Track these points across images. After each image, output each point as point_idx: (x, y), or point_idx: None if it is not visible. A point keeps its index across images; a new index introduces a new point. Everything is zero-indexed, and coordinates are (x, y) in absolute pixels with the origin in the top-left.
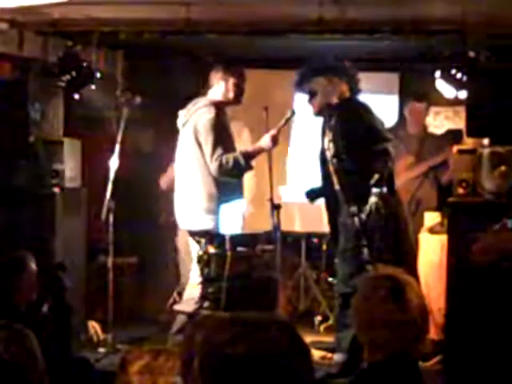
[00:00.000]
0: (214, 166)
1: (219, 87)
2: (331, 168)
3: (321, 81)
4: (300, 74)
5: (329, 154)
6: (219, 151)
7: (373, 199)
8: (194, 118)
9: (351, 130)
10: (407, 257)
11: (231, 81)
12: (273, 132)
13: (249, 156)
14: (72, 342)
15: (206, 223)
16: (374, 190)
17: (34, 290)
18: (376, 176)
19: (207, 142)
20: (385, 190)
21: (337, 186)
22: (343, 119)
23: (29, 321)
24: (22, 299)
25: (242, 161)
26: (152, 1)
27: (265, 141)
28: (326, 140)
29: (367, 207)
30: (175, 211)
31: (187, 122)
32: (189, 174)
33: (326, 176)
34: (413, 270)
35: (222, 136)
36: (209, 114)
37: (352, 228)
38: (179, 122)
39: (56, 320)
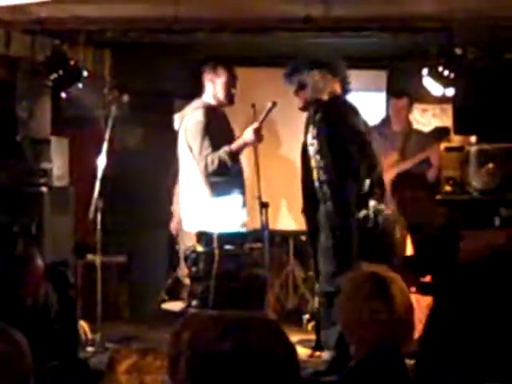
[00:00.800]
0: (201, 167)
1: (209, 89)
2: (313, 164)
3: (314, 75)
4: (292, 65)
5: (312, 150)
6: (205, 152)
7: (372, 203)
8: (185, 121)
9: (335, 129)
10: (393, 256)
11: (219, 82)
12: (255, 125)
13: (233, 153)
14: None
15: (195, 221)
16: (372, 201)
17: (40, 285)
18: (367, 181)
19: (194, 144)
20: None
21: (316, 183)
22: (329, 117)
23: (35, 315)
24: (27, 294)
25: (227, 159)
26: None
27: (247, 135)
28: (310, 136)
29: (367, 211)
30: (180, 213)
31: (181, 125)
32: (185, 176)
33: (306, 172)
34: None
35: (212, 137)
36: (197, 116)
37: (329, 227)
38: (175, 125)
39: (63, 316)
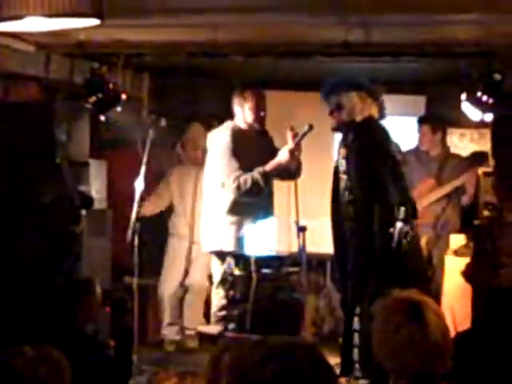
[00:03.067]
0: (232, 188)
1: (238, 113)
2: (341, 184)
3: (352, 96)
4: (331, 84)
5: (340, 170)
6: (236, 173)
7: (399, 224)
8: (212, 142)
9: (366, 151)
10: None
11: (247, 106)
12: (290, 146)
13: (267, 174)
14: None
15: (234, 245)
16: (398, 222)
17: (99, 313)
18: (402, 209)
19: (221, 164)
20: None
21: (343, 204)
22: (361, 138)
23: (94, 342)
24: (87, 320)
25: (260, 180)
26: (178, 23)
27: (282, 155)
28: (340, 156)
29: (394, 232)
30: (200, 233)
31: (210, 145)
32: (213, 195)
33: (335, 192)
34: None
35: (239, 159)
36: (224, 137)
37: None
38: (207, 144)
39: (119, 343)
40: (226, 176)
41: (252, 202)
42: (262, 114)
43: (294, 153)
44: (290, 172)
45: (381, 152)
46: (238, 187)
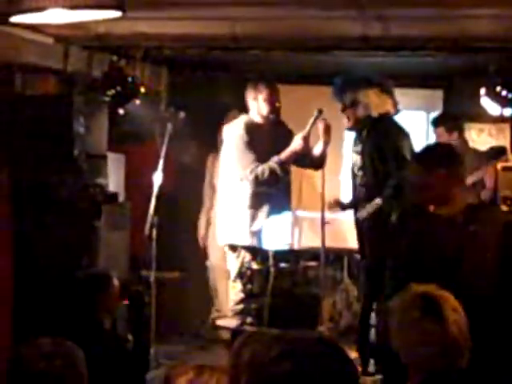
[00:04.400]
0: (250, 179)
1: (253, 107)
2: (358, 181)
3: (367, 93)
4: (344, 82)
5: (356, 167)
6: (253, 164)
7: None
8: (228, 135)
9: (379, 146)
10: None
11: (261, 97)
12: (303, 133)
13: (283, 162)
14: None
15: (250, 239)
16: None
17: (117, 307)
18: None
19: (237, 157)
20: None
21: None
22: (376, 134)
23: (113, 337)
24: (106, 316)
25: (277, 169)
26: (196, 16)
27: (296, 142)
28: (355, 153)
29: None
30: (216, 226)
31: (224, 139)
32: (229, 189)
33: (354, 188)
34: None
35: (255, 151)
36: (238, 130)
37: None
38: (224, 138)
39: (136, 336)
40: (242, 169)
41: (268, 196)
42: (276, 104)
43: (308, 139)
44: (312, 159)
45: (392, 147)
46: (256, 178)
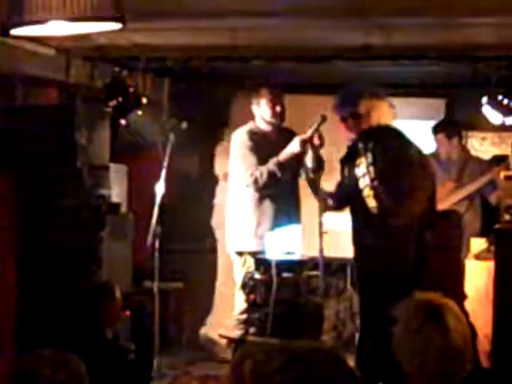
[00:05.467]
0: (249, 183)
1: (257, 113)
2: (368, 192)
3: (370, 103)
4: (345, 94)
5: (367, 179)
6: (252, 168)
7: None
8: (232, 142)
9: (386, 157)
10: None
11: (263, 102)
12: (303, 136)
13: (281, 163)
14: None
15: (255, 246)
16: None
17: (119, 317)
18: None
19: (239, 162)
20: None
21: (374, 210)
22: (381, 144)
23: (114, 347)
24: (108, 324)
25: (276, 170)
26: (198, 27)
27: (294, 144)
28: (363, 165)
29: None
30: (226, 234)
31: (231, 146)
32: (238, 197)
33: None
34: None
35: (258, 155)
36: (241, 136)
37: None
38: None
39: (138, 347)
40: (244, 172)
41: (272, 200)
42: (278, 108)
43: (307, 143)
44: (311, 170)
45: (400, 157)
46: (256, 181)
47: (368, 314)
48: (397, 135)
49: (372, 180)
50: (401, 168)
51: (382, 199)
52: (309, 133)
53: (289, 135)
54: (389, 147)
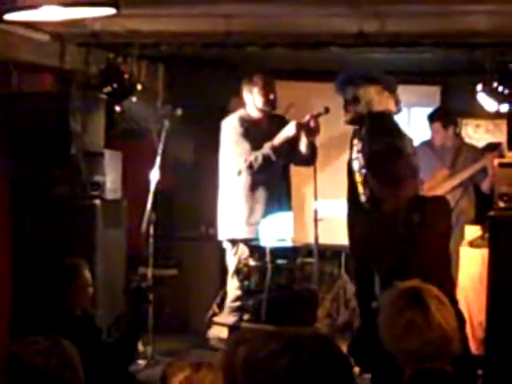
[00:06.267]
0: (243, 168)
1: (248, 100)
2: (357, 178)
3: (368, 89)
4: (347, 76)
5: (356, 164)
6: (246, 153)
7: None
8: (222, 131)
9: (378, 144)
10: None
11: (255, 90)
12: (300, 121)
13: (276, 148)
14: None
15: (248, 233)
16: None
17: (87, 297)
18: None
19: (232, 148)
20: None
21: (362, 197)
22: (375, 131)
23: (84, 326)
24: (75, 304)
25: (270, 153)
26: (192, 13)
27: (290, 128)
28: (355, 149)
29: None
30: (218, 222)
31: (221, 133)
32: (230, 185)
33: (351, 186)
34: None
35: (250, 142)
36: (232, 123)
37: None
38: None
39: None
40: (237, 158)
41: (265, 187)
42: (271, 96)
43: (303, 128)
44: (304, 157)
45: (390, 145)
46: (250, 166)
47: (363, 300)
48: (389, 124)
49: (361, 167)
50: (388, 157)
51: (370, 186)
52: (306, 117)
53: (280, 122)
54: (378, 135)
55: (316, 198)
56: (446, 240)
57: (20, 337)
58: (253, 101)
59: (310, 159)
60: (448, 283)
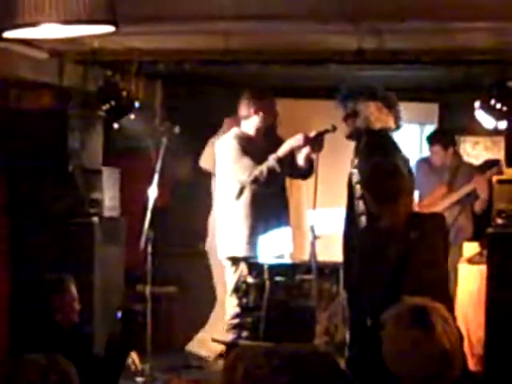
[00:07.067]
0: (248, 183)
1: (246, 118)
2: (356, 193)
3: (368, 105)
4: (348, 89)
5: (354, 179)
6: (249, 168)
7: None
8: (219, 150)
9: (373, 162)
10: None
11: (261, 113)
12: (309, 134)
13: (281, 159)
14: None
15: (248, 251)
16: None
17: (74, 311)
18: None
19: (233, 166)
20: None
21: (359, 212)
22: (374, 147)
23: (73, 341)
24: (62, 319)
25: (276, 166)
26: (191, 31)
27: (296, 139)
28: (354, 165)
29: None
30: (216, 240)
31: (218, 152)
32: (227, 201)
33: (350, 201)
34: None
35: (248, 159)
36: (231, 143)
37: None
38: (216, 152)
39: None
40: (240, 175)
41: (265, 205)
42: (269, 115)
43: (310, 140)
44: (301, 170)
45: (384, 164)
46: (256, 180)
47: (356, 317)
48: (386, 141)
49: (357, 182)
50: (383, 175)
51: (366, 201)
52: (313, 133)
53: (277, 141)
54: (374, 153)
55: (315, 207)
56: (443, 257)
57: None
58: (253, 122)
59: (307, 173)
60: (446, 301)
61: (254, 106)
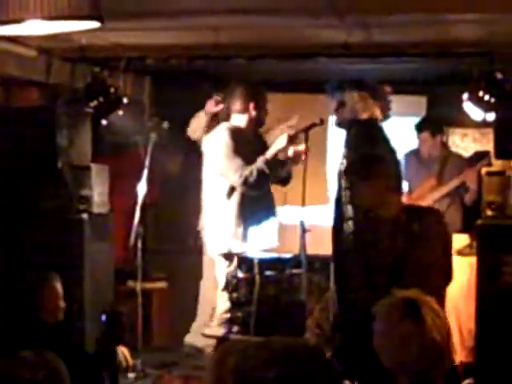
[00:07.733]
0: (239, 184)
1: (240, 112)
2: (343, 185)
3: (353, 95)
4: (336, 82)
5: (341, 169)
6: (240, 169)
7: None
8: (211, 144)
9: (362, 150)
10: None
11: (251, 105)
12: (291, 132)
13: (269, 161)
14: None
15: (235, 246)
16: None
17: (58, 308)
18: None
19: (225, 164)
20: None
21: (345, 203)
22: (359, 137)
23: (59, 338)
24: (47, 315)
25: (264, 167)
26: (179, 26)
27: (281, 140)
28: (341, 155)
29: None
30: (203, 236)
31: (208, 146)
32: (215, 198)
33: (338, 191)
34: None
35: (239, 157)
36: (223, 137)
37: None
38: (203, 148)
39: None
40: (231, 175)
41: (253, 203)
42: (258, 108)
43: (294, 139)
44: (281, 177)
45: (370, 154)
46: (245, 181)
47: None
48: (372, 131)
49: (344, 172)
50: (368, 165)
51: (354, 192)
52: (298, 130)
53: (261, 138)
54: (360, 143)
55: (304, 204)
56: (440, 249)
57: None
58: (244, 114)
59: (285, 179)
60: (440, 292)
61: (250, 102)
